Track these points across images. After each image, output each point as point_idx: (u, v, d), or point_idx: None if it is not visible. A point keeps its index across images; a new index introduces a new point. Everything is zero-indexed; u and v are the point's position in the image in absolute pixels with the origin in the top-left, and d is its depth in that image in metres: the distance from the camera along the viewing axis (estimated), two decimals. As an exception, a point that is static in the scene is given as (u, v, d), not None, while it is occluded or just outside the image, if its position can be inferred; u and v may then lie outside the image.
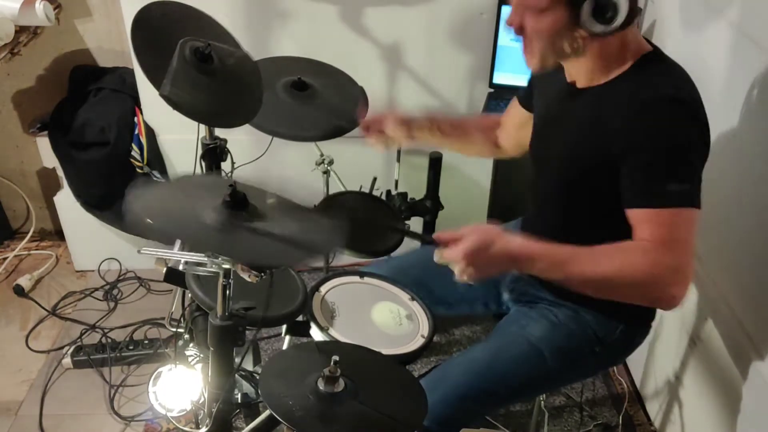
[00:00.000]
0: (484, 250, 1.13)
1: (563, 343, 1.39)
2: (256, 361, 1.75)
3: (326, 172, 1.93)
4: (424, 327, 1.39)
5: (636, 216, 1.19)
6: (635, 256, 1.16)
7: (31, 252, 2.66)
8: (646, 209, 1.17)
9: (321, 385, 1.07)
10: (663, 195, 1.15)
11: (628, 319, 1.39)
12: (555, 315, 1.41)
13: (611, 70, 1.24)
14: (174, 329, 1.60)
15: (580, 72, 1.29)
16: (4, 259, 2.60)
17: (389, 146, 1.60)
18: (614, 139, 1.19)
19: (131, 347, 2.18)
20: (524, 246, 1.16)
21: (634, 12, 1.16)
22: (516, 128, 1.57)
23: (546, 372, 1.38)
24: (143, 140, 2.27)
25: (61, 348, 2.22)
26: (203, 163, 1.60)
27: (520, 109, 1.54)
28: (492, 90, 2.18)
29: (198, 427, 1.33)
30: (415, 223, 2.01)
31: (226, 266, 1.07)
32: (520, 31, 1.23)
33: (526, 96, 1.52)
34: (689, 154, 1.17)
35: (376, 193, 1.90)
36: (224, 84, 1.40)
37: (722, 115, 1.57)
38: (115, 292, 2.47)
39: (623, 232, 1.24)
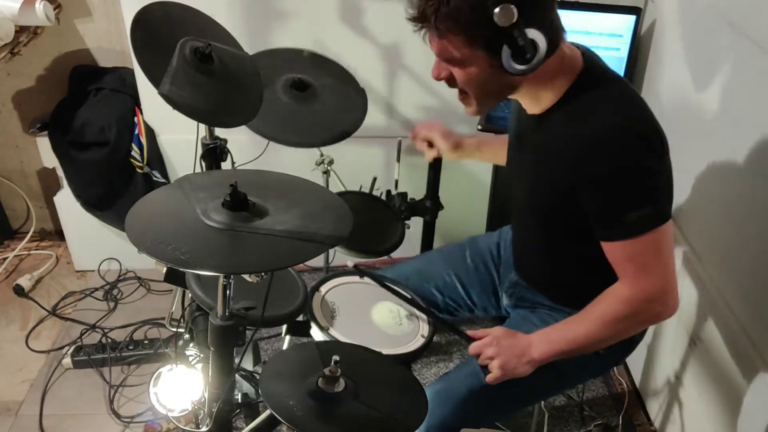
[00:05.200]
0: (510, 336, 1.32)
1: None
2: (256, 361, 1.75)
3: (326, 172, 1.93)
4: (424, 327, 1.39)
5: (606, 250, 1.22)
6: (610, 305, 1.24)
7: (31, 252, 2.66)
8: (611, 242, 1.19)
9: (321, 385, 1.07)
10: (622, 227, 1.16)
11: None
12: (556, 320, 1.41)
13: (549, 96, 1.22)
14: (174, 329, 1.60)
15: (523, 100, 1.28)
16: (4, 259, 2.60)
17: (435, 155, 1.72)
18: (566, 174, 1.19)
19: (131, 347, 2.18)
20: (534, 334, 1.33)
21: (556, 39, 1.14)
22: None
23: (553, 377, 1.38)
24: (143, 140, 2.27)
25: (61, 348, 2.22)
26: (203, 163, 1.60)
27: None
28: (492, 90, 2.18)
29: (198, 427, 1.33)
30: (415, 223, 2.01)
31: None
32: (451, 83, 1.21)
33: None
34: (641, 178, 1.15)
35: (376, 193, 1.90)
36: (224, 84, 1.40)
37: (722, 116, 1.57)
38: (115, 292, 2.47)
39: (599, 253, 1.25)
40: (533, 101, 1.25)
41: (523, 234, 1.48)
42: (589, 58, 1.22)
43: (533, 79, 1.17)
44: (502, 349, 1.30)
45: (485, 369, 1.33)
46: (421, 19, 1.15)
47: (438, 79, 1.21)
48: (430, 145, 1.70)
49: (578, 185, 1.18)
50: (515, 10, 1.06)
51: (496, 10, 1.06)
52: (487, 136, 1.76)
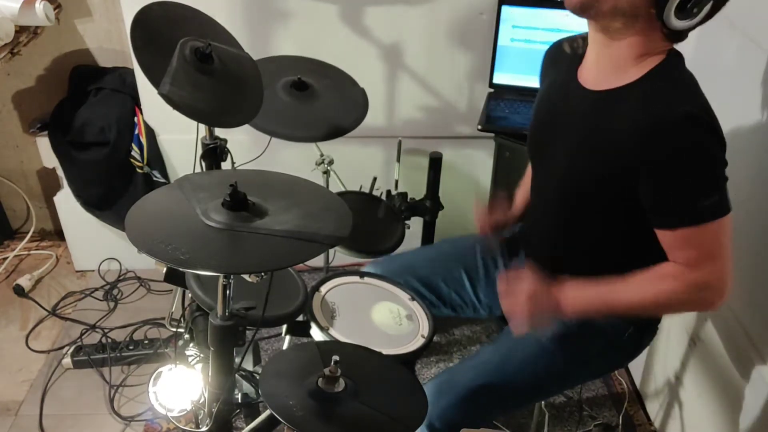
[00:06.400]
0: (545, 293, 1.27)
1: (574, 344, 1.39)
2: (256, 361, 1.75)
3: (326, 172, 1.93)
4: (424, 327, 1.39)
5: (666, 237, 1.20)
6: (668, 283, 1.21)
7: (31, 252, 2.66)
8: (677, 230, 1.17)
9: (321, 385, 1.07)
10: (693, 213, 1.15)
11: (637, 321, 1.39)
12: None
13: (629, 71, 1.20)
14: (174, 329, 1.60)
15: (596, 69, 1.24)
16: (4, 259, 2.60)
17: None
18: (630, 155, 1.16)
19: (131, 347, 2.18)
20: (567, 289, 1.28)
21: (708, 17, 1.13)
22: None
23: (557, 373, 1.38)
24: (143, 140, 2.27)
25: (61, 348, 2.22)
26: (203, 163, 1.60)
27: None
28: (492, 90, 2.19)
29: (198, 427, 1.33)
30: (415, 223, 2.01)
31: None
32: None
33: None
34: (714, 166, 1.15)
35: (376, 193, 1.90)
36: (224, 84, 1.40)
37: (722, 116, 1.56)
38: (115, 292, 2.47)
39: (630, 241, 1.25)
40: (612, 72, 1.22)
41: (542, 221, 1.45)
42: (673, 50, 1.22)
43: (641, 41, 1.16)
44: (537, 307, 1.26)
45: (501, 359, 1.32)
46: None
47: None
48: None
49: (647, 167, 1.15)
50: None
51: None
52: (518, 199, 1.65)
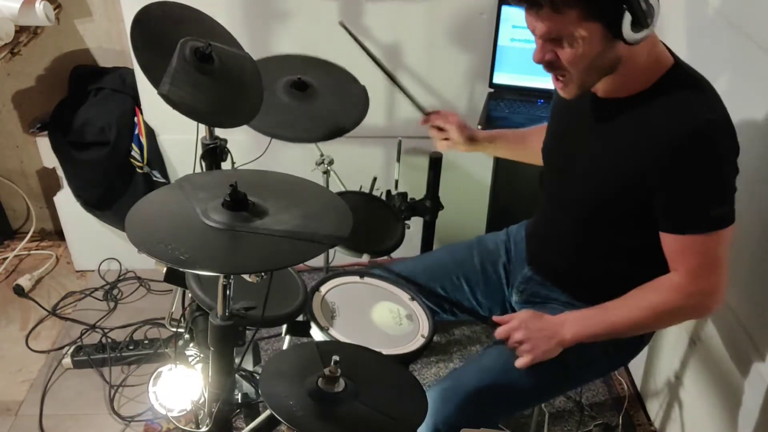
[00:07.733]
0: (537, 318, 1.32)
1: (578, 345, 1.39)
2: (256, 361, 1.74)
3: (326, 172, 1.93)
4: (424, 327, 1.39)
5: (672, 242, 1.21)
6: (666, 294, 1.23)
7: (31, 252, 2.66)
8: (683, 236, 1.19)
9: (321, 385, 1.07)
10: (703, 221, 1.16)
11: None
12: None
13: (637, 82, 1.20)
14: (174, 329, 1.60)
15: (609, 83, 1.24)
16: (4, 259, 2.60)
17: (449, 147, 1.69)
18: (650, 167, 1.18)
19: (131, 347, 2.18)
20: (565, 314, 1.33)
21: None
22: None
23: (562, 374, 1.38)
24: (143, 140, 2.27)
25: (61, 348, 2.22)
26: (203, 163, 1.60)
27: None
28: (492, 90, 2.18)
29: (198, 427, 1.33)
30: (415, 223, 2.01)
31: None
32: (552, 66, 1.18)
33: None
34: (728, 175, 1.17)
35: (376, 193, 1.90)
36: (224, 84, 1.39)
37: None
38: (115, 292, 2.47)
39: (642, 250, 1.26)
40: (618, 84, 1.22)
41: (552, 226, 1.46)
42: (677, 57, 1.22)
43: (630, 60, 1.16)
44: (531, 332, 1.30)
45: (505, 361, 1.31)
46: None
47: (541, 62, 1.17)
48: (441, 130, 1.68)
49: (664, 174, 1.17)
50: None
51: None
52: (500, 130, 1.73)
